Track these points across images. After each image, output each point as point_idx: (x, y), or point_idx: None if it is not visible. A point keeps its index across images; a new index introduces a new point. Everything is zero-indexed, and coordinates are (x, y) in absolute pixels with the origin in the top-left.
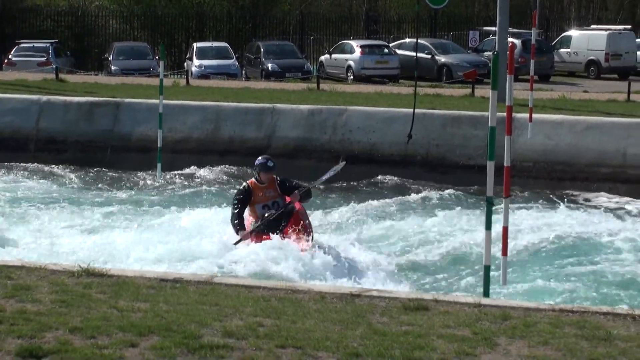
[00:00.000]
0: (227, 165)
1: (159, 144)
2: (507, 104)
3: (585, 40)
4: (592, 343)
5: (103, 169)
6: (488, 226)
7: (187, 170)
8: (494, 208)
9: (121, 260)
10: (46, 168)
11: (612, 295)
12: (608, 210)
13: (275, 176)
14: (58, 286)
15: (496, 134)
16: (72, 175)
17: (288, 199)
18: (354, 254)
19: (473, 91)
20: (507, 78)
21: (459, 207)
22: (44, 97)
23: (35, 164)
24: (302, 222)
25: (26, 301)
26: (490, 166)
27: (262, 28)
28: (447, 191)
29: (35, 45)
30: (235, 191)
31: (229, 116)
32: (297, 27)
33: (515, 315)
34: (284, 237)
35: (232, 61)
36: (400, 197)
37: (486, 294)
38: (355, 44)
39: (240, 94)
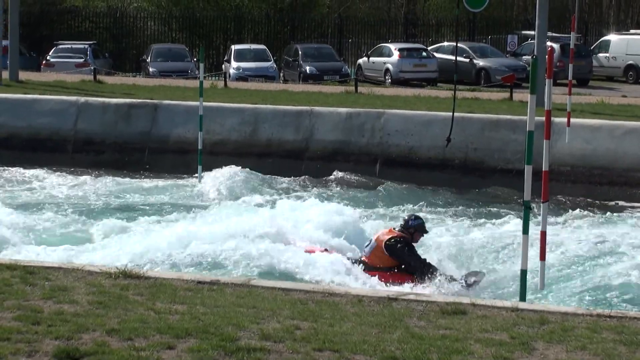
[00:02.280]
0: (264, 168)
1: (200, 146)
2: (546, 109)
3: (624, 44)
4: (630, 348)
5: (140, 170)
6: (525, 230)
7: (224, 173)
8: (531, 212)
9: (159, 263)
10: (84, 169)
11: None
12: None
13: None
14: (95, 287)
15: (534, 138)
16: (109, 177)
17: None
18: None
19: (511, 95)
20: (546, 82)
21: (497, 211)
22: (82, 99)
23: (73, 165)
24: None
25: (63, 302)
26: (528, 170)
27: (300, 31)
28: (484, 195)
29: (74, 46)
30: (399, 244)
31: (266, 118)
32: (335, 30)
33: (553, 320)
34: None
35: (270, 64)
36: (437, 201)
37: (522, 298)
38: (393, 47)
39: (278, 96)
